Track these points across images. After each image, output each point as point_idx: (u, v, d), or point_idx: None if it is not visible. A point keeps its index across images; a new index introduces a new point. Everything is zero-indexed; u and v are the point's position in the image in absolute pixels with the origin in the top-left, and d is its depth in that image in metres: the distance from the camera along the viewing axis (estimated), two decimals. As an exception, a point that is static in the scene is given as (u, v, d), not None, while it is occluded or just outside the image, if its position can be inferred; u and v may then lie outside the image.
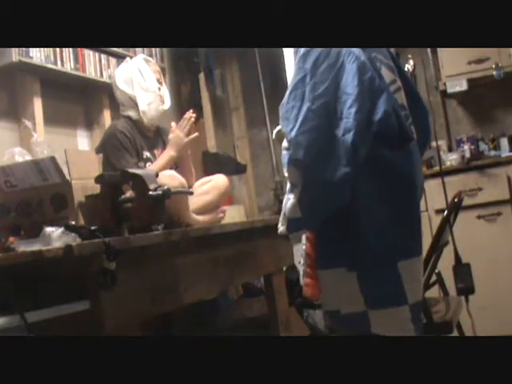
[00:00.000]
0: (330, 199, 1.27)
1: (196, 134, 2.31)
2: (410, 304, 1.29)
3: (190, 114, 2.31)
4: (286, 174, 1.31)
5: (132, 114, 2.35)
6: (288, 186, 1.33)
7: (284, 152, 1.31)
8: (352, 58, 1.29)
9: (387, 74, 1.40)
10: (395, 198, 1.29)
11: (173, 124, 2.31)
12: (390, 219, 1.28)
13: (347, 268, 1.32)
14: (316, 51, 1.31)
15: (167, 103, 2.43)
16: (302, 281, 1.47)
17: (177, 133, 2.27)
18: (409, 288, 1.28)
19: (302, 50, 1.33)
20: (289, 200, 1.30)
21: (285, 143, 1.32)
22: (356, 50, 1.32)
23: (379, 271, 1.29)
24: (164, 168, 2.15)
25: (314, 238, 1.41)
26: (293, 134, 1.25)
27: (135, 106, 2.35)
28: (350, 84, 1.24)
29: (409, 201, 1.29)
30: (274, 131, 1.52)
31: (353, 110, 1.21)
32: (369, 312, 1.31)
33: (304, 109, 1.25)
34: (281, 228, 1.36)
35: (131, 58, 2.56)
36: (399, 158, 1.28)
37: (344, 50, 1.32)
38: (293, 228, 1.33)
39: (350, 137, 1.21)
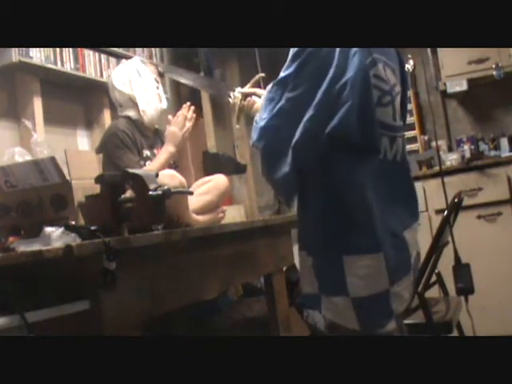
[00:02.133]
0: (278, 191, 1.47)
1: (190, 124, 2.30)
2: (352, 298, 1.33)
3: (186, 106, 2.31)
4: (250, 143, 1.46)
5: (131, 113, 2.36)
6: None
7: (254, 124, 1.45)
8: (333, 65, 1.30)
9: (390, 77, 1.41)
10: (336, 196, 1.35)
11: (169, 117, 2.31)
12: (335, 217, 1.36)
13: (307, 252, 1.41)
14: (305, 53, 1.33)
15: (164, 102, 2.45)
16: None
17: (171, 129, 2.27)
18: (351, 282, 1.32)
19: (295, 49, 1.35)
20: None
21: (257, 117, 1.47)
22: (342, 56, 1.32)
23: (325, 260, 1.37)
24: (164, 165, 2.16)
25: None
26: (262, 123, 1.37)
27: (134, 105, 2.35)
28: (319, 92, 1.30)
29: (352, 203, 1.34)
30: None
31: (307, 116, 1.30)
32: (321, 296, 1.38)
33: (278, 105, 1.35)
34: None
35: (130, 58, 2.56)
36: (348, 167, 1.33)
37: (335, 55, 1.31)
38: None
39: (293, 142, 1.31)
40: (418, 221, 1.49)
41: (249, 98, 1.75)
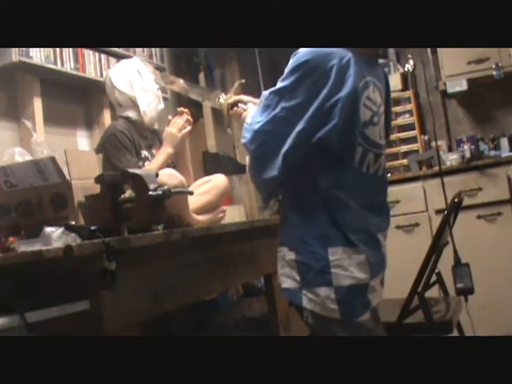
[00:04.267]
0: (262, 190, 1.57)
1: (189, 127, 2.30)
2: (335, 286, 1.42)
3: (182, 110, 2.31)
4: (241, 142, 1.55)
5: (131, 114, 2.35)
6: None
7: (245, 125, 1.56)
8: (329, 84, 1.39)
9: (377, 98, 1.51)
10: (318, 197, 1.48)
11: (170, 117, 2.31)
12: (320, 214, 1.47)
13: (288, 248, 1.50)
14: (304, 68, 1.40)
15: (162, 103, 2.45)
16: None
17: (170, 129, 2.27)
18: (335, 272, 1.43)
19: (297, 56, 1.43)
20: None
21: (248, 119, 1.58)
22: (338, 75, 1.40)
23: (310, 253, 1.46)
24: (162, 166, 2.15)
25: None
26: (256, 126, 1.47)
27: (134, 106, 2.34)
28: (312, 107, 1.41)
29: (334, 202, 1.46)
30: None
31: (298, 128, 1.42)
32: (302, 289, 1.47)
33: (273, 113, 1.45)
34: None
35: (130, 58, 2.56)
36: (325, 176, 1.46)
37: (331, 75, 1.39)
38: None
39: (283, 151, 1.43)
40: (387, 228, 1.62)
41: (235, 108, 1.79)
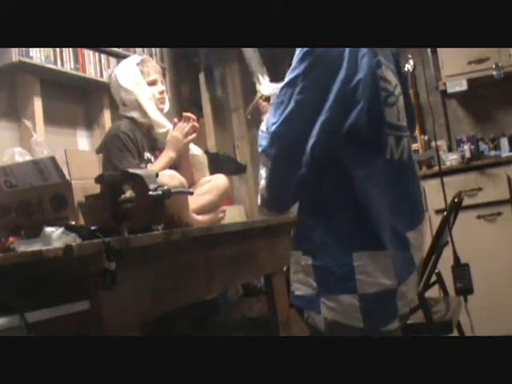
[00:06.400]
0: (289, 195, 1.42)
1: (194, 135, 2.29)
2: (360, 294, 1.32)
3: (189, 115, 2.30)
4: (259, 150, 1.42)
5: (136, 115, 2.32)
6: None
7: (260, 133, 1.43)
8: (344, 66, 1.31)
9: (392, 78, 1.42)
10: (347, 195, 1.35)
11: (175, 120, 2.30)
12: (344, 215, 1.35)
13: (302, 252, 1.39)
14: (314, 54, 1.32)
15: (167, 105, 2.42)
16: None
17: (175, 134, 2.26)
18: (360, 279, 1.32)
19: (304, 48, 1.35)
20: (261, 177, 1.43)
21: (263, 126, 1.44)
22: (352, 57, 1.33)
23: (332, 258, 1.34)
24: (164, 169, 2.14)
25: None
26: (273, 128, 1.35)
27: (139, 107, 2.32)
28: (331, 93, 1.30)
29: (362, 201, 1.34)
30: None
31: (322, 118, 1.30)
32: (320, 296, 1.36)
33: (288, 109, 1.33)
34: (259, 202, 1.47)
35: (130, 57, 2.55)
36: (358, 167, 1.34)
37: (345, 56, 1.32)
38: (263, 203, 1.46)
39: (310, 144, 1.31)
40: (421, 222, 1.48)
41: (266, 103, 1.72)
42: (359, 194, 1.33)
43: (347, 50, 1.31)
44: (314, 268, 1.37)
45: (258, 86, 1.78)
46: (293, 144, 1.33)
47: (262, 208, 1.45)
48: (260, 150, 1.40)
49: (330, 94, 1.30)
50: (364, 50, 1.32)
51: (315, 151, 1.31)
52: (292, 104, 1.33)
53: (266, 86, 1.78)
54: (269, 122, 1.39)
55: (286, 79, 1.36)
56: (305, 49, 1.33)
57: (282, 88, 1.36)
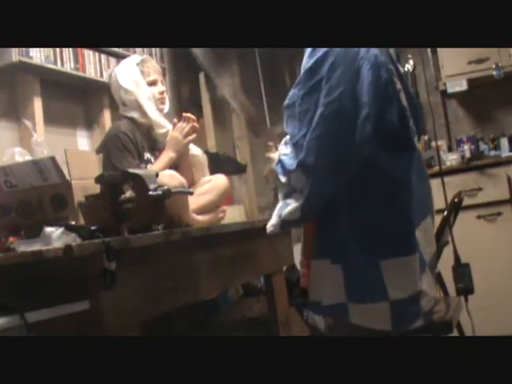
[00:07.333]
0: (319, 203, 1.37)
1: (194, 135, 2.29)
2: (391, 300, 1.32)
3: (189, 116, 2.29)
4: (284, 180, 1.35)
5: (136, 115, 2.32)
6: (284, 191, 1.37)
7: (283, 157, 1.36)
8: (368, 64, 1.30)
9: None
10: (383, 199, 1.34)
11: (175, 120, 2.30)
12: (376, 219, 1.34)
13: (331, 260, 1.37)
14: (332, 55, 1.31)
15: (167, 105, 2.42)
16: (301, 271, 1.53)
17: (175, 134, 2.26)
18: (391, 285, 1.32)
19: (319, 53, 1.33)
20: (288, 205, 1.36)
21: (283, 150, 1.37)
22: (372, 56, 1.33)
23: (362, 267, 1.34)
24: (163, 169, 2.14)
25: (310, 228, 1.46)
26: (307, 139, 1.29)
27: (139, 107, 2.32)
28: (365, 92, 1.27)
29: (397, 202, 1.34)
30: (266, 169, 1.59)
31: (364, 117, 1.25)
32: (348, 304, 1.36)
33: (318, 114, 1.28)
34: (270, 228, 1.42)
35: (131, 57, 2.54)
36: (394, 162, 1.32)
37: (361, 54, 1.32)
38: (284, 227, 1.42)
39: (360, 138, 1.26)
40: (425, 218, 1.47)
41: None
42: (394, 202, 1.31)
43: (362, 49, 1.30)
44: (346, 277, 1.35)
45: (268, 151, 1.65)
46: (332, 147, 1.29)
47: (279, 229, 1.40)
48: (292, 169, 1.33)
49: (361, 90, 1.27)
50: (376, 49, 1.32)
51: (364, 150, 1.26)
52: (321, 108, 1.28)
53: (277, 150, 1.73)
54: (294, 134, 1.32)
55: (307, 87, 1.32)
56: (319, 52, 1.31)
57: (304, 96, 1.31)
